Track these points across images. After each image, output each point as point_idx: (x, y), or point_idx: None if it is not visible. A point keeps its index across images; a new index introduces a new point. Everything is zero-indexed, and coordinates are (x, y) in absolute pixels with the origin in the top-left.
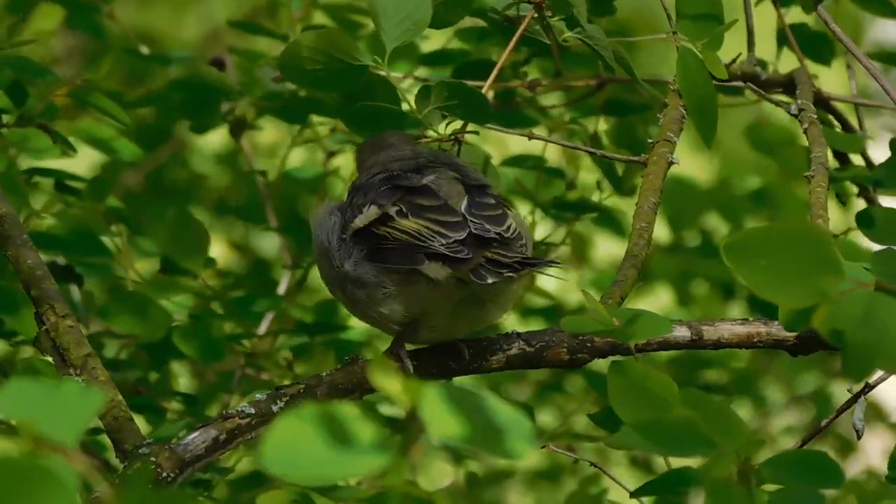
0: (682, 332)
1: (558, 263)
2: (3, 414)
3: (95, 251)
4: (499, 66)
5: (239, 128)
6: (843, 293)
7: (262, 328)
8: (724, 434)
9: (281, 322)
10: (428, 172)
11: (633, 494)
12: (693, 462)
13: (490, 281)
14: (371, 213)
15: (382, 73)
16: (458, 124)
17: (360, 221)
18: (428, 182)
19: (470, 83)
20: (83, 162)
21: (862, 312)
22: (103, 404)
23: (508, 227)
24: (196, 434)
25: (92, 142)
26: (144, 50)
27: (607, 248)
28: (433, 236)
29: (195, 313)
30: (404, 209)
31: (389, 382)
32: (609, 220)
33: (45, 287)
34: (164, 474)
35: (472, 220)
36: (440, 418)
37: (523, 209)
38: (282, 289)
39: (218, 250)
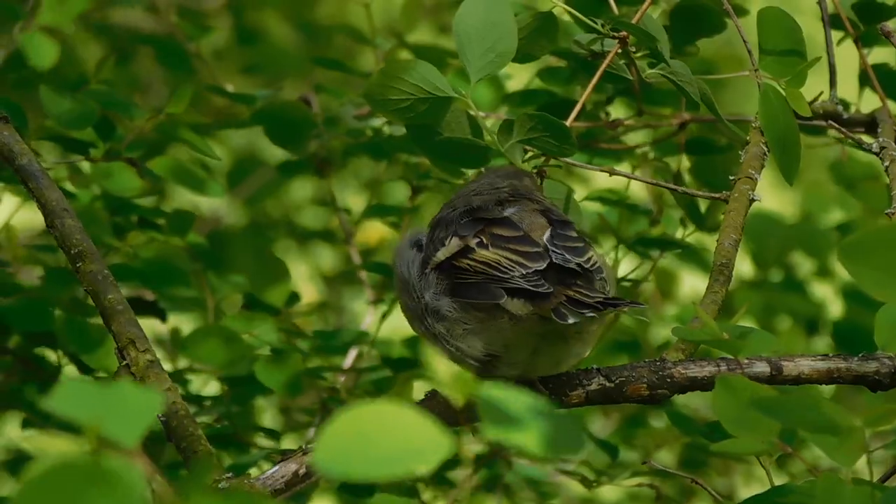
0: (761, 368)
1: (640, 304)
2: (60, 411)
3: (178, 284)
4: (582, 100)
5: (325, 166)
6: None
7: (348, 363)
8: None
9: (365, 358)
10: (510, 205)
11: None
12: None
13: (571, 321)
14: (452, 245)
15: (471, 110)
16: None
17: (441, 254)
18: (509, 214)
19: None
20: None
21: None
22: (163, 404)
23: (589, 259)
24: (276, 468)
25: (178, 178)
26: (230, 87)
27: (692, 284)
28: (512, 267)
29: (278, 347)
30: (485, 240)
31: (444, 372)
32: (693, 256)
33: (125, 322)
34: None
35: (553, 251)
36: (494, 414)
37: (607, 245)
38: (365, 324)
39: (300, 273)
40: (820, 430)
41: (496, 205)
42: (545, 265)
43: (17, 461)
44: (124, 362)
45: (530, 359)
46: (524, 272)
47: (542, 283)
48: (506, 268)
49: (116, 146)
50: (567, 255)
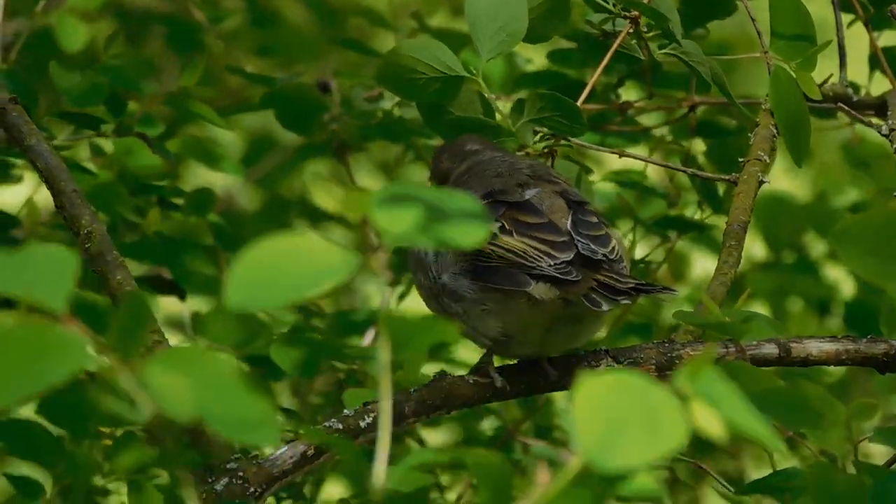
0: (770, 349)
1: (672, 290)
2: None
3: (197, 261)
4: (593, 80)
5: (344, 149)
6: None
7: (367, 342)
8: (831, 409)
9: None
10: (530, 187)
11: (743, 491)
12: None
13: (606, 308)
14: None
15: (482, 90)
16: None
17: None
18: (530, 198)
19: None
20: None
21: None
22: (78, 264)
23: (613, 249)
24: (284, 449)
25: (195, 155)
26: (249, 68)
27: (703, 265)
28: (540, 257)
29: (295, 326)
30: (507, 226)
31: (332, 198)
32: (706, 238)
33: None
34: (252, 489)
35: (578, 240)
36: (391, 218)
37: (624, 226)
38: (383, 304)
39: None
40: (806, 424)
41: (517, 187)
42: (572, 256)
43: None
44: None
45: (543, 338)
46: (552, 262)
47: (570, 271)
48: (532, 257)
49: (128, 121)
50: (593, 246)
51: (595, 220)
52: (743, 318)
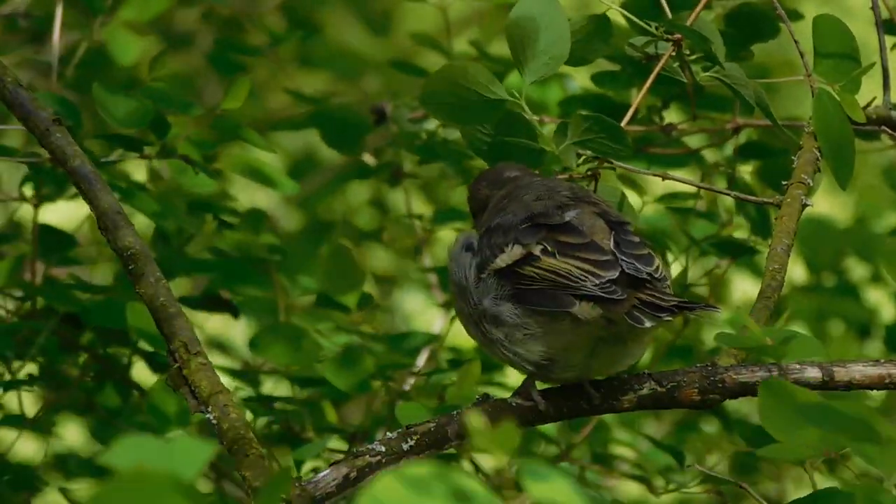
0: (813, 373)
1: (715, 308)
2: (120, 465)
3: (252, 281)
4: (636, 102)
5: (400, 174)
6: None
7: (420, 363)
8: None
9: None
10: (569, 209)
11: None
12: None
13: (648, 325)
14: (515, 252)
15: (525, 113)
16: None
17: (502, 261)
18: (570, 219)
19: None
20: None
21: None
22: (212, 455)
23: (657, 268)
24: (327, 472)
25: (250, 175)
26: (294, 87)
27: (743, 288)
28: (585, 276)
29: (351, 346)
30: (549, 248)
31: (483, 437)
32: (745, 261)
33: (177, 325)
34: None
35: (622, 259)
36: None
37: (673, 250)
38: (436, 327)
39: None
40: (861, 440)
41: (556, 209)
42: (617, 274)
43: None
44: (176, 364)
45: (586, 361)
46: (597, 282)
47: (615, 290)
48: (577, 277)
49: (171, 144)
50: (637, 265)
51: (637, 239)
52: (784, 337)
